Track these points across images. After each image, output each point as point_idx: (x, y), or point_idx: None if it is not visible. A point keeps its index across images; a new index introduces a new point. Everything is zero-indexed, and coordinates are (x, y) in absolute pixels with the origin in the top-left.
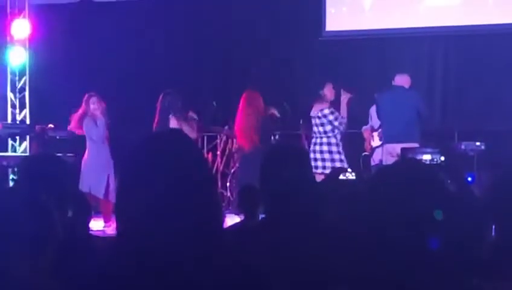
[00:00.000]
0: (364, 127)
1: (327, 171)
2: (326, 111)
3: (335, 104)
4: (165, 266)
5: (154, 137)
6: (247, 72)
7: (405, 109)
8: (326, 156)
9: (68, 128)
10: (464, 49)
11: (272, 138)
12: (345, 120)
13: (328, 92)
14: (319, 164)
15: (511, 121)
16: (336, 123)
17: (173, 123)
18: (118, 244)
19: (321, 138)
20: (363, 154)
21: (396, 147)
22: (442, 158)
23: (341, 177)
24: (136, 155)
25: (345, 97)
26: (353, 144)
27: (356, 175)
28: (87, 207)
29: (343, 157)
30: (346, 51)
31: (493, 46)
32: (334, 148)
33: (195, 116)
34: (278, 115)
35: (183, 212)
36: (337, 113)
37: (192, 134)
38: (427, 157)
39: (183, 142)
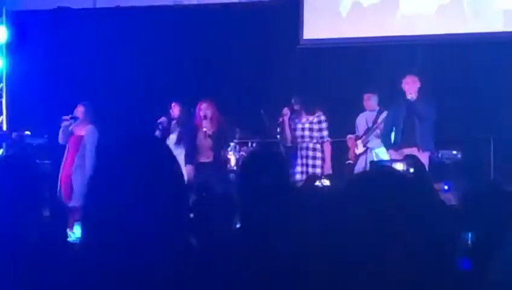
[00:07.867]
0: (349, 136)
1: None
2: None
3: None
4: (131, 272)
5: (122, 141)
6: (225, 79)
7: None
8: (310, 161)
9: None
10: (441, 58)
11: (250, 144)
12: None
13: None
14: (310, 169)
15: (488, 129)
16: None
17: None
18: (84, 251)
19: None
20: (347, 162)
21: (413, 151)
22: (412, 170)
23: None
24: (105, 158)
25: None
26: (337, 152)
27: (330, 181)
28: (65, 214)
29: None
30: (324, 59)
31: (469, 54)
32: (318, 154)
33: None
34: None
35: (150, 217)
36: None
37: None
38: (398, 167)
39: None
